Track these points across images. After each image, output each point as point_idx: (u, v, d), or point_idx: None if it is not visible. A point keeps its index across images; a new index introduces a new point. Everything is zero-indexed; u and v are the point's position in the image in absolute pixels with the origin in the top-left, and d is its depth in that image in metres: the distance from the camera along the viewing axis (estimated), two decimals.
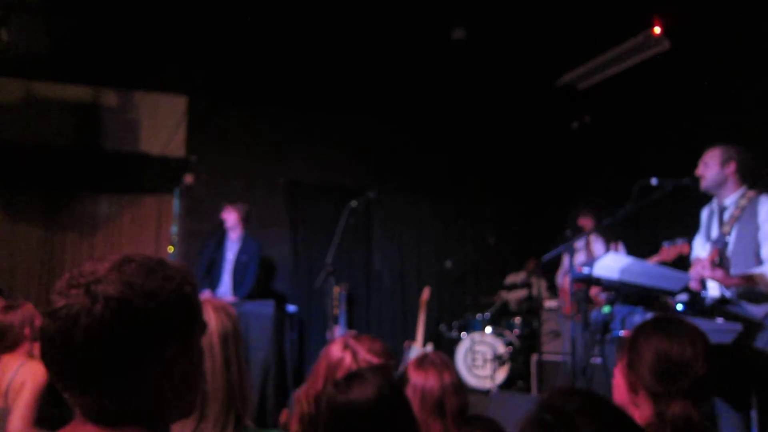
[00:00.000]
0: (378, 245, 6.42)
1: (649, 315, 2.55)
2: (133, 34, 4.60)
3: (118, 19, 4.35)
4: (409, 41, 4.79)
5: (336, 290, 4.75)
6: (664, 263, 3.02)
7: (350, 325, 5.59)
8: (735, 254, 2.77)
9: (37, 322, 2.60)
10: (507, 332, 5.49)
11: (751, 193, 2.82)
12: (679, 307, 2.98)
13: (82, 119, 5.60)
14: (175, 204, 5.95)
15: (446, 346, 5.88)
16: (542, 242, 5.31)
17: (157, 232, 5.84)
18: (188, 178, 5.86)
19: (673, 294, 2.77)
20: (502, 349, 5.24)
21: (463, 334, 5.55)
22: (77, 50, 4.84)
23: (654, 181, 2.95)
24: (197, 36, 4.67)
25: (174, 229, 5.92)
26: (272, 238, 5.89)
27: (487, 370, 5.16)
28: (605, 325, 2.67)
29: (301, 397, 1.81)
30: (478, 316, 5.66)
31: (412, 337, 5.69)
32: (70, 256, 5.55)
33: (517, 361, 5.33)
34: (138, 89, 5.75)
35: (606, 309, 2.65)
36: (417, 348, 5.57)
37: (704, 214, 3.09)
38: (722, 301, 2.80)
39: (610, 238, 4.63)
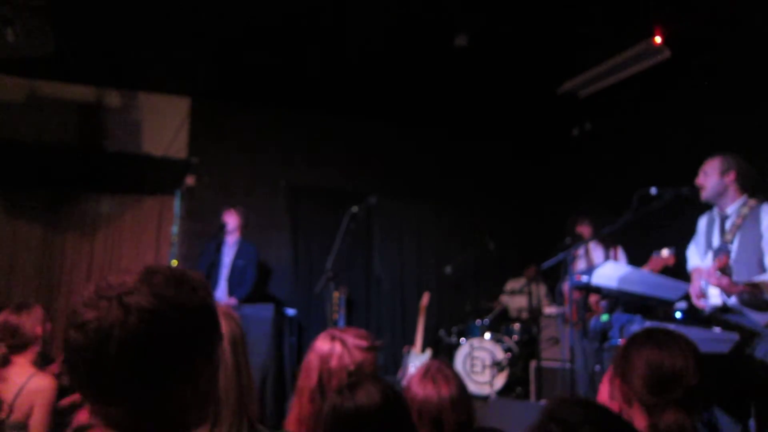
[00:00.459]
0: (378, 250, 6.43)
1: (648, 323, 2.56)
2: (138, 35, 4.62)
3: (122, 19, 4.37)
4: (413, 47, 4.81)
5: (335, 295, 4.75)
6: (652, 272, 3.03)
7: None
8: (737, 262, 2.79)
9: (48, 325, 2.60)
10: (506, 338, 5.49)
11: (752, 202, 2.84)
12: (678, 315, 2.99)
13: (85, 119, 5.62)
14: (176, 205, 5.97)
15: (445, 352, 5.88)
16: (542, 249, 5.33)
17: (157, 233, 5.85)
18: (190, 180, 5.88)
19: (671, 303, 2.78)
20: (500, 355, 5.25)
21: (462, 339, 5.56)
22: (81, 50, 4.86)
23: (653, 190, 2.97)
24: (201, 37, 4.69)
25: (174, 229, 5.93)
26: (273, 242, 5.90)
27: (486, 376, 5.16)
28: (604, 333, 2.68)
29: (297, 395, 1.81)
30: (478, 321, 5.66)
31: (411, 342, 5.69)
32: (70, 256, 5.56)
33: (516, 367, 5.33)
34: (141, 90, 5.78)
35: (604, 317, 2.67)
36: (416, 353, 5.58)
37: (702, 221, 3.11)
38: (724, 310, 2.81)
39: (609, 245, 4.64)
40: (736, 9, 4.06)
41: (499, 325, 5.74)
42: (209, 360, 0.88)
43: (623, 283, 2.63)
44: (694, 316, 2.95)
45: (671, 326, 2.54)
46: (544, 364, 5.12)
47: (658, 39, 4.41)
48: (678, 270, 3.21)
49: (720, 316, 2.82)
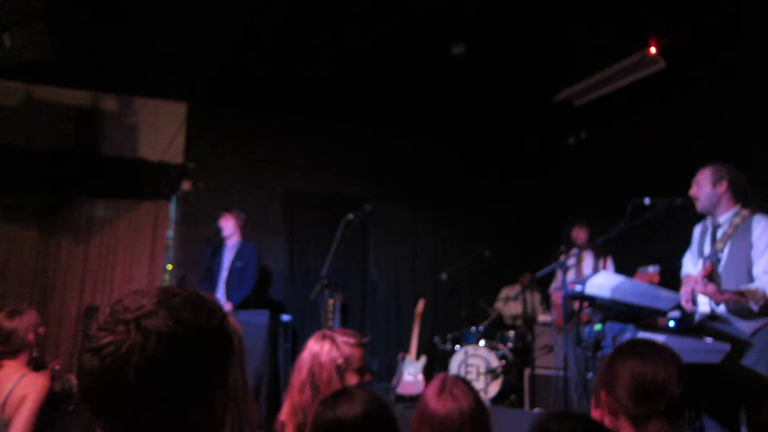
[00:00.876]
0: (374, 256, 6.44)
1: (641, 333, 2.57)
2: (135, 40, 4.63)
3: (120, 25, 4.38)
4: (410, 55, 4.84)
5: (330, 303, 4.76)
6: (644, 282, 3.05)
7: None
8: (726, 271, 2.81)
9: (41, 329, 2.59)
10: (501, 346, 5.50)
11: (745, 212, 2.86)
12: (671, 324, 3.01)
13: (82, 124, 5.62)
14: (172, 210, 5.97)
15: (440, 359, 5.88)
16: (537, 256, 5.35)
17: (153, 237, 5.84)
18: (186, 185, 5.88)
19: (663, 313, 2.80)
20: (495, 362, 5.25)
21: (457, 346, 5.56)
22: (78, 55, 4.87)
23: (647, 200, 2.99)
24: (198, 43, 4.70)
25: (170, 234, 5.93)
26: (268, 247, 5.90)
27: (481, 383, 5.17)
28: (597, 342, 2.70)
29: (289, 391, 1.94)
30: (472, 328, 5.67)
31: (405, 349, 5.70)
32: (65, 261, 5.55)
33: (511, 374, 5.33)
34: (138, 95, 5.78)
35: (598, 327, 2.68)
36: (411, 360, 5.58)
37: (697, 230, 3.13)
38: (711, 317, 2.84)
39: (600, 254, 4.67)
40: (730, 20, 4.10)
41: (494, 333, 5.75)
42: (224, 384, 0.86)
43: (616, 293, 2.64)
44: (687, 325, 2.96)
45: (662, 337, 2.56)
46: (538, 372, 5.13)
47: (653, 50, 4.46)
48: (665, 286, 3.23)
49: (709, 324, 2.84)
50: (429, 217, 6.69)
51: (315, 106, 6.01)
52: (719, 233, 2.91)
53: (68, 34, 4.39)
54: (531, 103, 5.77)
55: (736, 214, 2.87)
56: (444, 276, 5.89)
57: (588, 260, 4.77)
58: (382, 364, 6.13)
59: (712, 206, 2.93)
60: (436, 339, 5.91)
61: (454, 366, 5.35)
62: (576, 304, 3.35)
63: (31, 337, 2.51)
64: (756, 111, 4.28)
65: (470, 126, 6.44)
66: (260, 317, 4.51)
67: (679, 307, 2.87)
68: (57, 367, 2.85)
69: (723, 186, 2.89)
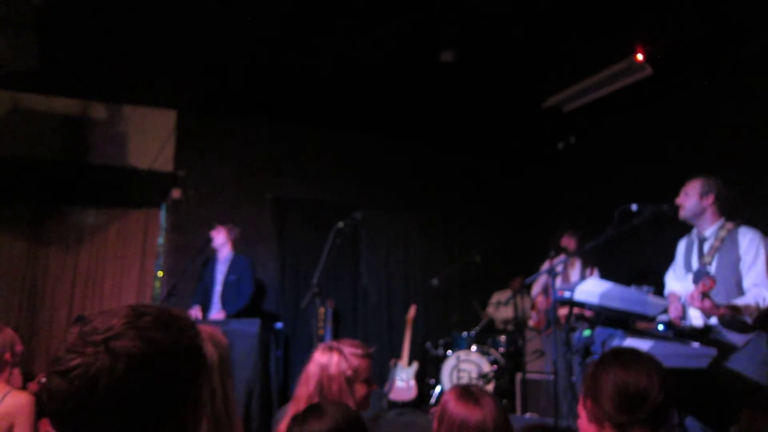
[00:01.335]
0: (365, 263, 6.44)
1: (629, 339, 2.60)
2: (123, 48, 4.62)
3: (108, 33, 4.37)
4: (399, 62, 4.87)
5: (322, 310, 4.75)
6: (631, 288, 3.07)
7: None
8: (716, 284, 2.83)
9: (18, 348, 2.54)
10: (492, 350, 5.52)
11: (729, 225, 2.90)
12: (660, 327, 3.03)
13: (70, 132, 5.59)
14: (162, 218, 5.94)
15: (432, 364, 5.89)
16: (528, 261, 5.38)
17: (143, 246, 5.82)
18: (176, 193, 5.85)
19: (650, 319, 2.83)
20: (487, 367, 5.27)
21: (449, 352, 5.57)
22: (66, 63, 4.85)
23: (634, 207, 3.02)
24: (187, 50, 4.70)
25: (160, 242, 5.90)
26: (259, 255, 5.88)
27: None
28: (586, 347, 2.72)
29: (294, 402, 1.93)
30: (464, 334, 5.68)
31: (397, 355, 5.70)
32: (54, 269, 5.51)
33: (502, 379, 5.35)
34: (127, 103, 5.76)
35: (587, 332, 2.71)
36: (403, 366, 5.58)
37: (681, 245, 3.16)
38: (706, 331, 2.86)
39: (587, 263, 4.70)
40: (717, 27, 4.16)
41: (486, 338, 5.76)
42: (196, 402, 0.85)
43: (604, 299, 2.67)
44: (675, 329, 2.99)
45: (650, 342, 2.58)
46: (529, 376, 5.15)
47: (639, 56, 4.51)
48: None
49: (702, 335, 2.86)
50: (419, 224, 6.70)
51: (304, 113, 6.01)
52: (706, 247, 2.94)
53: (55, 42, 4.37)
54: (520, 109, 5.81)
55: (721, 227, 2.91)
56: (435, 282, 5.90)
57: (576, 267, 4.80)
58: (374, 371, 6.12)
59: (695, 217, 2.97)
60: (428, 344, 5.92)
61: (446, 371, 5.36)
62: (565, 310, 3.37)
63: (8, 356, 2.44)
64: (743, 117, 4.34)
65: (460, 132, 6.47)
66: (251, 326, 4.48)
67: (666, 311, 2.89)
68: (44, 380, 2.80)
69: (709, 199, 2.93)
